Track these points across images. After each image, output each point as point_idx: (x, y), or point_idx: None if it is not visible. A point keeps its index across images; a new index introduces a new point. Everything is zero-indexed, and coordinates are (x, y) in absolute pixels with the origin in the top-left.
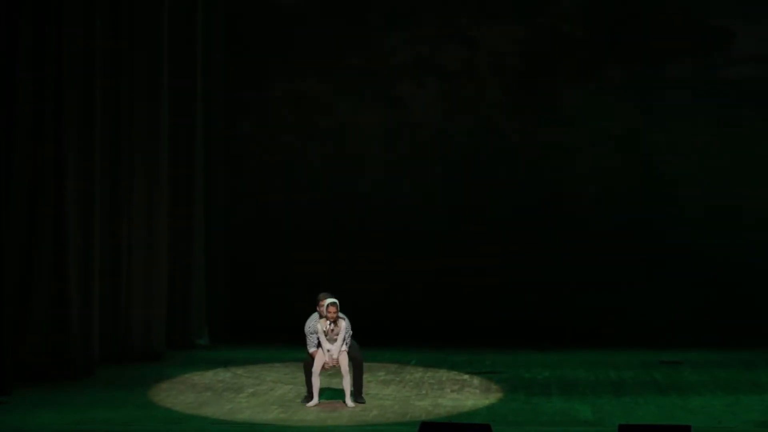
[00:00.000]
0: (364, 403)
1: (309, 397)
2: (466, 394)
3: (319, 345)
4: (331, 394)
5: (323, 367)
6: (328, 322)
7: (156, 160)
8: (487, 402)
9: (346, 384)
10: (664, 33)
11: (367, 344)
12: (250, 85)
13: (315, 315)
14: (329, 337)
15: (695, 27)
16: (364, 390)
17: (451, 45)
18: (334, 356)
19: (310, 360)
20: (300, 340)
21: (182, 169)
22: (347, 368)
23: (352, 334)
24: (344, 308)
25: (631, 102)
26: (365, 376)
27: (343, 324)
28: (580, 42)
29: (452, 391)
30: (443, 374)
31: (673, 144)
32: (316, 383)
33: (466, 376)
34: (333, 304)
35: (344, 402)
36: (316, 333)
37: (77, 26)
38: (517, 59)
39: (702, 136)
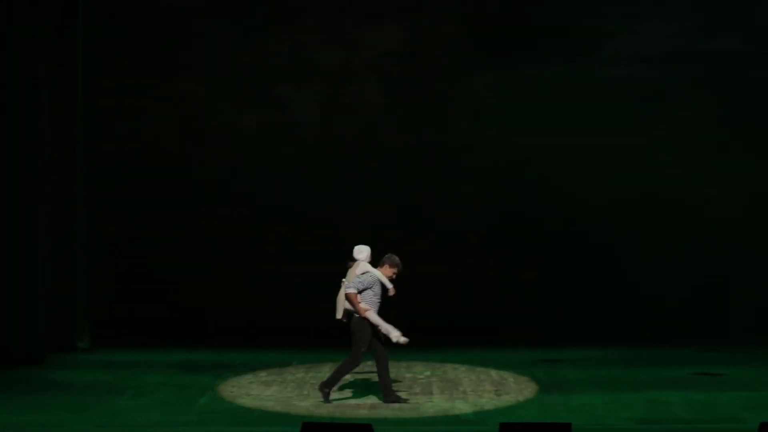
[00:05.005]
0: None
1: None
2: (347, 393)
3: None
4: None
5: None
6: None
7: (36, 159)
8: (368, 402)
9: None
10: (543, 33)
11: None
12: (131, 85)
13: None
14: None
15: (572, 27)
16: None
17: (332, 46)
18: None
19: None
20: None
21: (64, 167)
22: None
23: None
24: None
25: (514, 102)
26: (247, 377)
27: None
28: (460, 42)
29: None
30: (326, 374)
31: (558, 146)
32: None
33: (348, 376)
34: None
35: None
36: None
37: None
38: (397, 60)
39: (581, 137)
